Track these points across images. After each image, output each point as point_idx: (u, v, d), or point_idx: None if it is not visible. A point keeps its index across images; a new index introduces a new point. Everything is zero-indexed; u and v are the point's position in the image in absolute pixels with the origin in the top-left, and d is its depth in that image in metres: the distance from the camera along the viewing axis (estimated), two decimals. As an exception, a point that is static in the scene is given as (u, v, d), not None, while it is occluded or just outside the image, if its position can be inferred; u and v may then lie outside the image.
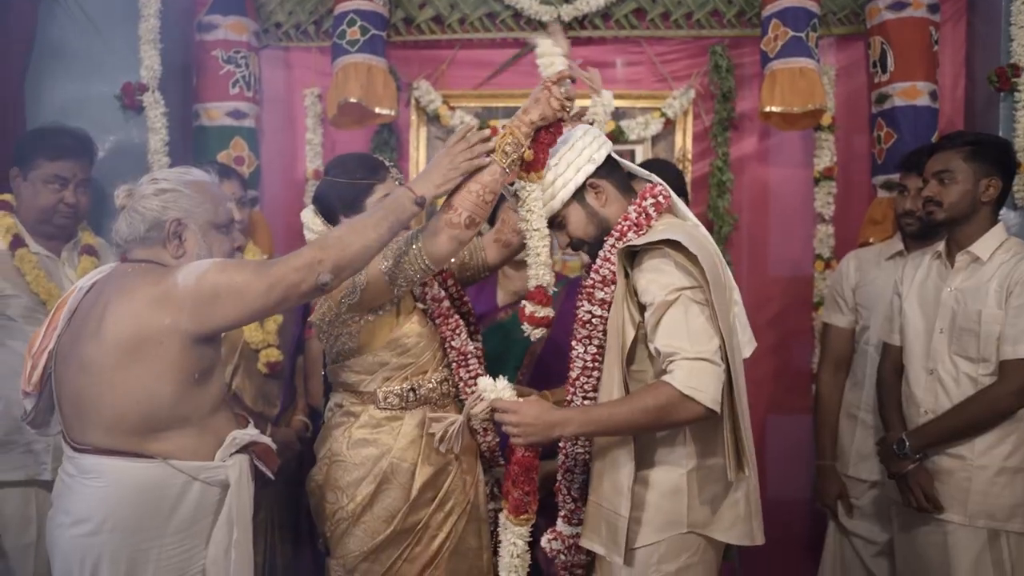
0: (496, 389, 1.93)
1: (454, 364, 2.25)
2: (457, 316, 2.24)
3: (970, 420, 2.34)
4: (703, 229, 2.00)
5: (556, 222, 2.01)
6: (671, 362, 1.75)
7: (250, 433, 1.91)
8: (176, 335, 1.74)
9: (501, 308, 2.74)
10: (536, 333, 2.07)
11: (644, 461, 1.90)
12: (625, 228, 1.93)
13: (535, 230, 2.01)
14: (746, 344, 2.01)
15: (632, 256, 1.88)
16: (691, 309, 1.78)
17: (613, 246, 1.92)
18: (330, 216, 2.22)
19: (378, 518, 2.14)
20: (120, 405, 1.75)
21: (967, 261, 2.41)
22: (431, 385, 2.20)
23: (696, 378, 1.72)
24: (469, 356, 2.25)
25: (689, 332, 1.76)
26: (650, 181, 2.01)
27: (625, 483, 1.86)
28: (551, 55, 1.96)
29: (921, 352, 2.46)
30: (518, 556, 2.03)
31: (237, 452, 1.87)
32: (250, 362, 2.70)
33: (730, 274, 1.97)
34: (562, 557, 2.07)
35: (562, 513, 2.07)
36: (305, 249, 1.80)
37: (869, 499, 2.86)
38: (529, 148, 1.95)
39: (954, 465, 2.37)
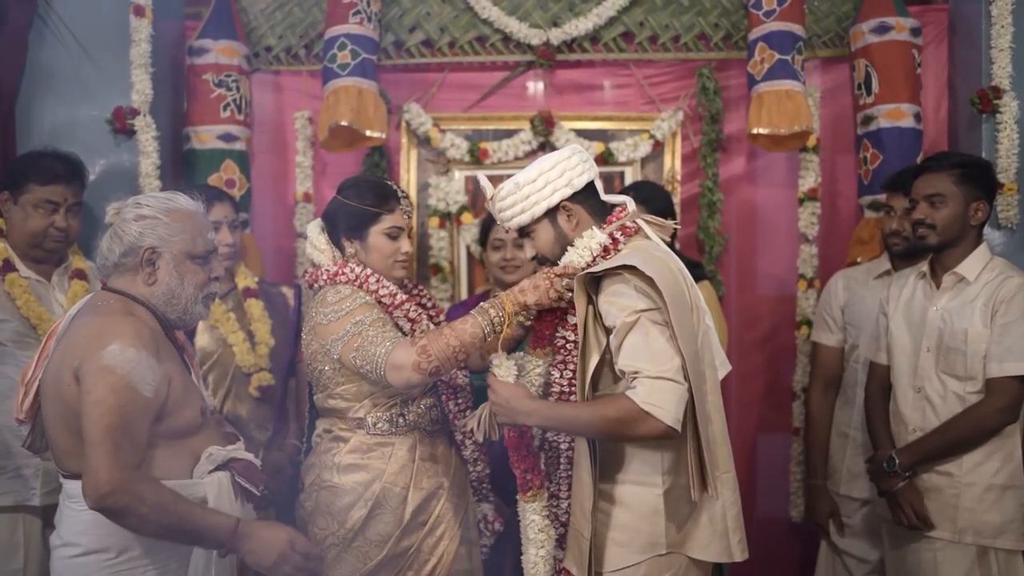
0: (500, 365, 1.98)
1: (444, 396, 2.26)
2: None
3: (958, 437, 2.36)
4: (673, 257, 1.99)
5: (524, 233, 2.04)
6: (634, 379, 1.77)
7: (227, 450, 1.91)
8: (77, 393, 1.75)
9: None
10: None
11: (619, 481, 1.91)
12: None
13: None
14: (718, 367, 2.01)
15: (596, 282, 1.90)
16: (651, 331, 1.79)
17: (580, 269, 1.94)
18: (334, 235, 2.24)
19: (370, 543, 2.13)
20: (71, 433, 1.77)
21: (953, 281, 2.44)
22: (420, 411, 2.20)
23: (656, 395, 1.74)
24: (458, 389, 2.26)
25: (650, 352, 1.77)
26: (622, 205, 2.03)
27: (587, 505, 1.88)
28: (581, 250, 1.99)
29: (908, 370, 2.49)
30: (541, 531, 2.06)
31: (217, 469, 1.87)
32: (241, 386, 2.69)
33: (700, 296, 1.98)
34: None
35: (555, 537, 2.08)
36: (108, 471, 1.67)
37: (860, 517, 2.87)
38: (529, 322, 2.05)
39: (943, 482, 2.39)
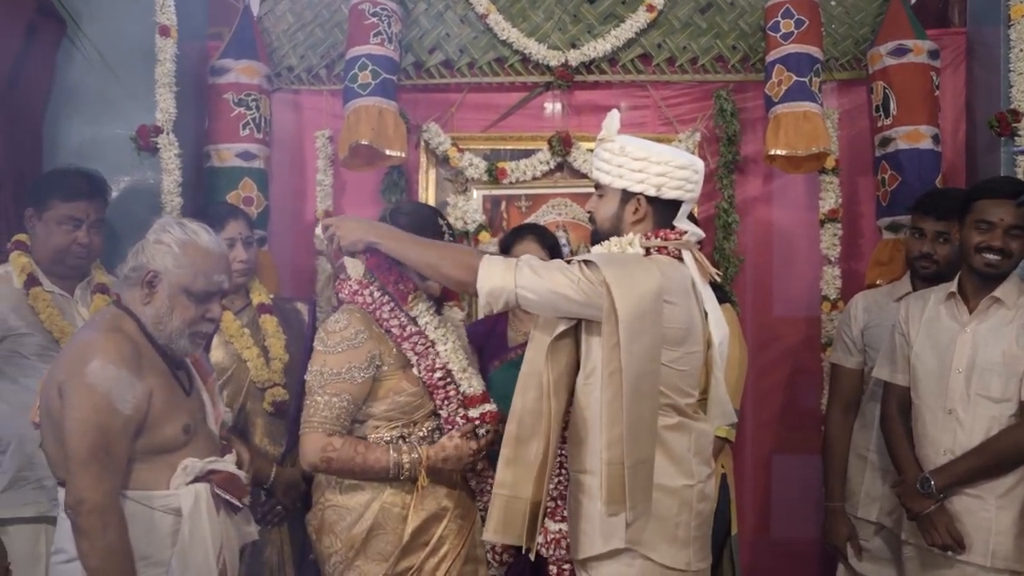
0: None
1: (444, 429, 2.25)
2: (449, 387, 2.23)
3: (996, 459, 2.33)
4: (689, 294, 1.96)
5: (597, 187, 2.04)
6: (517, 262, 1.85)
7: (205, 461, 1.93)
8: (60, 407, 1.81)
9: (512, 348, 2.77)
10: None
11: (592, 471, 1.91)
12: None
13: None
14: (716, 416, 2.00)
15: None
16: (572, 270, 1.82)
17: None
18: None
19: (371, 561, 2.15)
20: (59, 444, 1.82)
21: (988, 304, 2.42)
22: (422, 433, 2.21)
23: (498, 272, 1.83)
24: (456, 426, 2.24)
25: (547, 269, 1.84)
26: (685, 231, 2.02)
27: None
28: None
29: (937, 392, 2.45)
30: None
31: (196, 481, 1.90)
32: (256, 401, 2.70)
33: (715, 345, 1.97)
34: (544, 552, 2.12)
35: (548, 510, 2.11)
36: (90, 490, 1.76)
37: (878, 541, 2.83)
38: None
39: (975, 505, 2.35)
